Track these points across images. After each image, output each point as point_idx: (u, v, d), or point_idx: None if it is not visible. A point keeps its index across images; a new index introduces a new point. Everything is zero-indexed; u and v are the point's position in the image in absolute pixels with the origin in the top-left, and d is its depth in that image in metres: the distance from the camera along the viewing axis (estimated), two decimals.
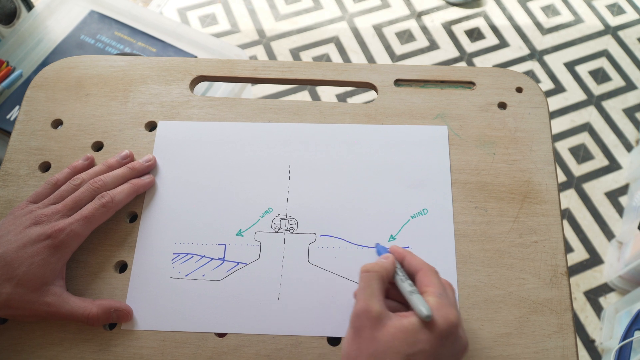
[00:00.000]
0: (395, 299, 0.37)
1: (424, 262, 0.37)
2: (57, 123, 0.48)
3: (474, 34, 1.47)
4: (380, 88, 0.49)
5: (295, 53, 1.42)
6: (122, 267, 0.42)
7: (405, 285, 0.35)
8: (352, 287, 0.41)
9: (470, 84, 0.49)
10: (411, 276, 0.37)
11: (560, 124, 1.34)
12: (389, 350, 0.31)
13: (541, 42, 1.47)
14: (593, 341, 1.09)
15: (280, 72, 0.50)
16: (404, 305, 0.37)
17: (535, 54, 1.45)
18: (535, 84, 0.49)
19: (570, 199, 1.25)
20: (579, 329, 1.11)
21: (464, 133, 0.47)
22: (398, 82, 0.49)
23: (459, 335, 0.33)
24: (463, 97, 0.48)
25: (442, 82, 0.49)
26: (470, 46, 1.45)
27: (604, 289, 1.15)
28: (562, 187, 1.26)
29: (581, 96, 1.39)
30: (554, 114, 1.36)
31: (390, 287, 0.36)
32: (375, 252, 0.42)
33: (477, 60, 1.43)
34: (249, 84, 0.91)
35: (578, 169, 1.28)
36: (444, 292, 0.34)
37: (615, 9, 1.53)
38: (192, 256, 0.42)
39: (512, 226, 0.43)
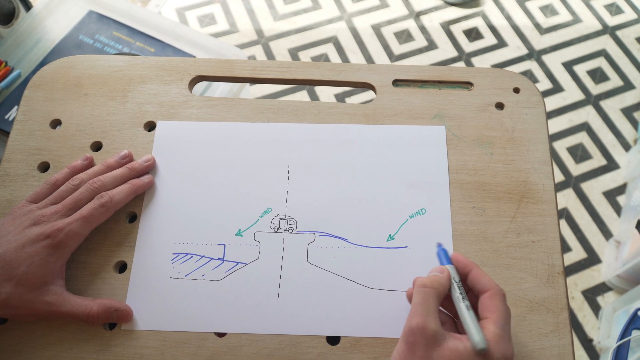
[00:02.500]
0: (445, 310, 0.36)
1: (492, 281, 0.35)
2: (55, 123, 0.48)
3: (473, 34, 1.48)
4: (379, 88, 0.49)
5: (294, 53, 1.42)
6: (122, 267, 0.42)
7: (462, 307, 0.34)
8: (351, 286, 0.41)
9: (468, 85, 0.49)
10: (474, 291, 0.36)
11: (558, 124, 1.35)
12: None
13: (539, 41, 1.47)
14: (591, 340, 1.09)
15: (279, 72, 0.50)
16: (454, 318, 0.36)
17: (534, 54, 1.45)
18: (532, 85, 0.49)
19: (568, 199, 1.25)
20: (577, 328, 1.11)
21: (461, 133, 0.47)
22: (396, 83, 0.50)
23: None
24: (461, 97, 0.49)
25: (440, 82, 0.49)
26: (468, 46, 1.45)
27: (602, 288, 1.15)
28: (560, 186, 1.27)
29: (579, 96, 1.39)
30: (552, 114, 1.36)
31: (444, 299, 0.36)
32: (434, 253, 0.40)
33: (475, 60, 1.43)
34: (247, 84, 0.91)
35: (576, 169, 1.29)
36: (506, 322, 0.33)
37: (614, 9, 1.54)
38: (192, 256, 0.42)
39: (509, 226, 0.43)
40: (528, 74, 1.42)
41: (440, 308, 0.36)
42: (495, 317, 0.33)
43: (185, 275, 0.41)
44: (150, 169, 0.45)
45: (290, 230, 0.43)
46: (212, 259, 0.42)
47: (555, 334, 0.39)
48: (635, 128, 1.35)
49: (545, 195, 0.44)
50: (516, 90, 0.49)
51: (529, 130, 0.47)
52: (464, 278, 0.37)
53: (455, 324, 0.37)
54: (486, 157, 0.46)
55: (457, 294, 0.35)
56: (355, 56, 1.42)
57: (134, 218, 0.44)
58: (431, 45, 1.45)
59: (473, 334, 0.32)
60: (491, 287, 0.35)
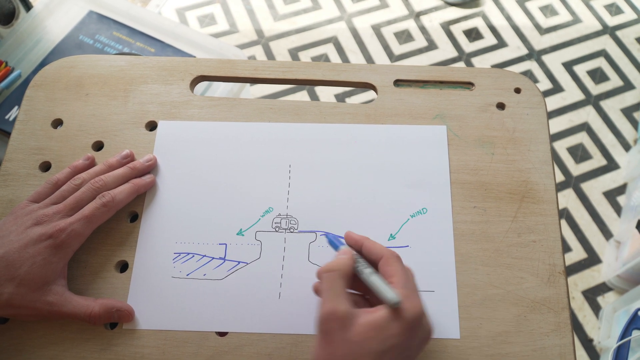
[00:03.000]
0: (356, 290, 0.36)
1: (384, 247, 0.36)
2: (57, 123, 0.48)
3: (473, 34, 1.48)
4: (380, 88, 0.49)
5: (294, 53, 1.42)
6: (123, 266, 0.42)
7: (367, 275, 0.35)
8: None
9: (469, 85, 0.49)
10: (372, 263, 0.36)
11: (558, 124, 1.35)
12: (362, 350, 0.31)
13: (539, 42, 1.47)
14: (591, 340, 1.10)
15: (280, 72, 0.50)
16: (365, 297, 0.37)
17: (534, 54, 1.45)
18: (533, 85, 0.49)
19: (568, 199, 1.25)
20: (577, 328, 1.11)
21: (462, 133, 0.47)
22: (397, 83, 0.50)
23: (424, 324, 0.33)
24: (462, 97, 0.49)
25: (441, 82, 0.49)
26: (468, 46, 1.46)
27: (602, 288, 1.15)
28: (561, 186, 1.27)
29: (579, 96, 1.39)
30: (552, 114, 1.36)
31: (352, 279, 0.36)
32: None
33: (475, 60, 1.43)
34: (248, 84, 0.91)
35: (576, 169, 1.29)
36: (407, 280, 0.34)
37: (614, 9, 1.54)
38: (193, 255, 0.42)
39: (510, 226, 0.43)
40: (528, 74, 1.42)
41: (353, 291, 0.37)
42: (396, 279, 0.34)
43: (187, 275, 0.41)
44: (151, 168, 0.45)
45: (291, 230, 0.43)
46: (213, 258, 0.42)
47: (557, 334, 0.40)
48: (635, 128, 1.35)
49: (546, 195, 0.44)
50: (517, 91, 0.49)
51: (530, 131, 0.47)
52: (359, 253, 0.37)
53: (369, 302, 0.37)
54: (487, 157, 0.46)
55: (360, 267, 0.35)
56: (356, 56, 1.42)
57: (135, 217, 0.44)
58: (431, 46, 1.45)
59: (385, 292, 0.32)
60: (384, 254, 0.35)
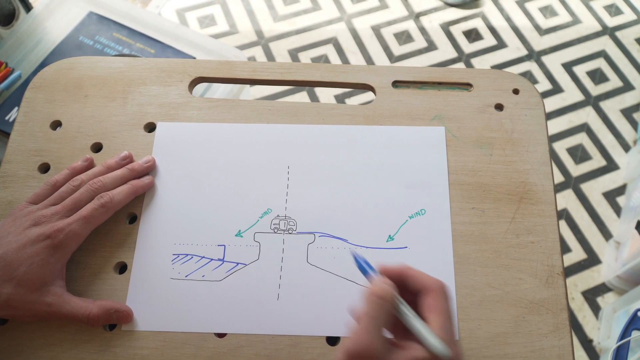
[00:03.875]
0: None
1: (430, 278, 0.31)
2: (56, 124, 0.48)
3: (472, 35, 1.48)
4: (379, 89, 0.49)
5: (294, 54, 1.43)
6: (122, 268, 0.42)
7: (410, 317, 0.31)
8: (351, 286, 0.41)
9: (467, 86, 0.49)
10: (412, 291, 0.32)
11: (558, 125, 1.35)
12: None
13: (539, 42, 1.47)
14: (591, 341, 1.10)
15: (279, 74, 0.50)
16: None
17: (533, 55, 1.45)
18: (531, 86, 0.49)
19: (568, 199, 1.25)
20: (577, 328, 1.11)
21: (461, 134, 0.47)
22: (396, 84, 0.50)
23: None
24: (460, 98, 0.49)
25: (440, 83, 0.49)
26: (468, 47, 1.46)
27: (602, 288, 1.15)
28: (560, 187, 1.27)
29: (579, 97, 1.39)
30: (552, 115, 1.36)
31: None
32: (354, 263, 0.36)
33: (475, 61, 1.43)
34: (248, 85, 0.91)
35: (576, 169, 1.29)
36: (449, 322, 0.30)
37: (613, 10, 1.54)
38: (192, 257, 0.42)
39: (508, 227, 0.43)
40: (528, 75, 1.42)
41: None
42: (436, 319, 0.30)
43: (186, 276, 0.41)
44: (150, 170, 0.45)
45: (290, 231, 0.43)
46: (212, 259, 0.42)
47: (555, 335, 0.40)
48: (635, 129, 1.35)
49: (544, 196, 0.44)
50: (515, 92, 0.49)
51: (528, 132, 0.47)
52: (401, 286, 0.32)
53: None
54: (486, 158, 0.46)
55: (403, 308, 0.31)
56: (355, 57, 1.43)
57: (134, 219, 0.44)
58: (431, 46, 1.45)
59: (431, 341, 0.29)
60: (431, 286, 0.31)
